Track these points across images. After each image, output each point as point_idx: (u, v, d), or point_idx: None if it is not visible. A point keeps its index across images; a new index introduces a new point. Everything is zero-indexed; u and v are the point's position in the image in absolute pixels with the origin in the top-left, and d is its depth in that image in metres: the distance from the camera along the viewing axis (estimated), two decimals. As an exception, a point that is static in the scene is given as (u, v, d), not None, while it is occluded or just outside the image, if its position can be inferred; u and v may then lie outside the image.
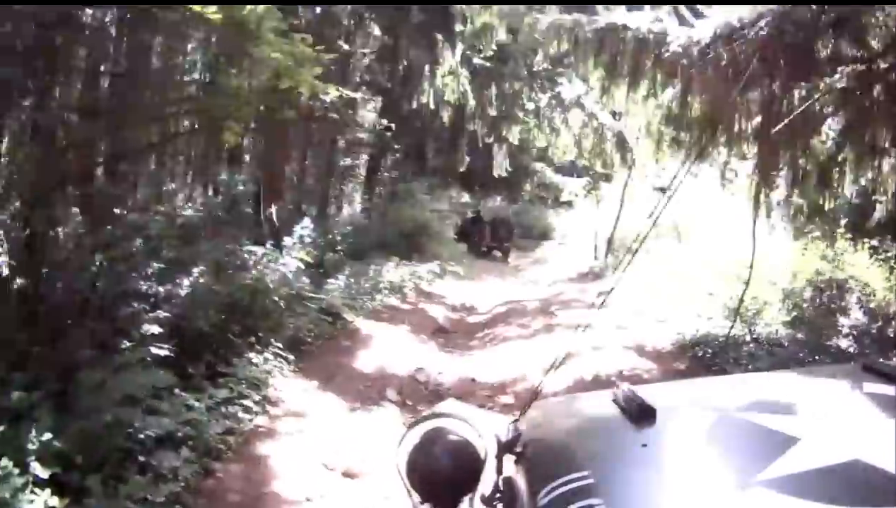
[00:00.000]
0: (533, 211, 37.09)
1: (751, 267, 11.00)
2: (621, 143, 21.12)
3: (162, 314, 8.14)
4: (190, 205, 22.33)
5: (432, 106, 20.50)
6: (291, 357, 9.75)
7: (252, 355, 8.96)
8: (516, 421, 2.65)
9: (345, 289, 14.41)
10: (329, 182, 25.61)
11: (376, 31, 19.48)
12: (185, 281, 9.20)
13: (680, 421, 2.36)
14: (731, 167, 21.04)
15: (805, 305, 11.72)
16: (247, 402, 7.96)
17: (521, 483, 2.36)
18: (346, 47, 18.87)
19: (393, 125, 19.31)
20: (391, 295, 16.11)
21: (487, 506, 2.39)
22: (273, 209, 16.74)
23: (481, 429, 2.43)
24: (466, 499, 2.32)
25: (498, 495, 2.39)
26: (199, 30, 8.72)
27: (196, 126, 7.16)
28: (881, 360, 2.84)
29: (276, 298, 10.01)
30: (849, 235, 13.30)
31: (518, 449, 2.44)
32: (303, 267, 13.82)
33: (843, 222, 13.56)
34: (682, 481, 2.01)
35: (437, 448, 2.33)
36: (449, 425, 2.41)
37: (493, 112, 20.83)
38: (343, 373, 10.04)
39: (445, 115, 21.09)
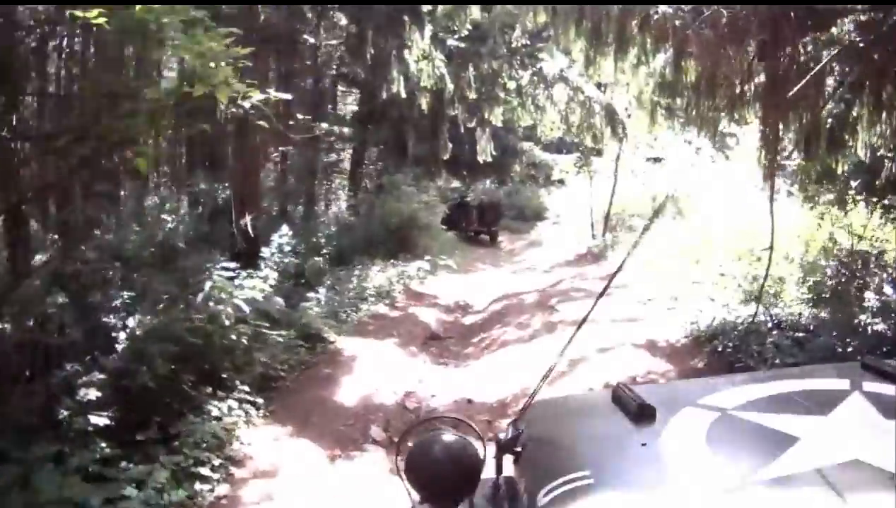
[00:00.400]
0: (524, 191, 35.68)
1: (770, 248, 9.79)
2: (610, 116, 19.80)
3: (98, 375, 6.85)
4: (173, 217, 21.11)
5: (409, 93, 19.24)
6: (260, 400, 8.43)
7: (213, 405, 7.66)
8: (515, 420, 2.60)
9: (326, 303, 13.16)
10: (312, 181, 24.34)
11: (343, 20, 18.11)
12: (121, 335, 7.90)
13: (679, 421, 2.30)
14: (730, 133, 19.91)
15: (829, 282, 10.42)
16: (205, 470, 6.66)
17: (520, 482, 2.32)
18: (311, 40, 17.62)
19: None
20: (378, 301, 14.82)
21: (488, 506, 2.34)
22: (248, 218, 15.48)
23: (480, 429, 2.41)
24: (466, 499, 2.26)
25: (498, 494, 2.33)
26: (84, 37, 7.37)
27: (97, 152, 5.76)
28: (881, 359, 2.72)
29: (235, 337, 8.59)
30: (860, 197, 12.04)
31: (517, 449, 2.38)
32: (271, 288, 12.68)
33: (853, 184, 12.24)
34: (681, 480, 1.95)
35: (436, 449, 2.27)
36: (448, 425, 2.46)
37: (472, 94, 19.42)
38: (321, 411, 8.72)
39: (424, 102, 19.69)
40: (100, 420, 6.42)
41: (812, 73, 8.61)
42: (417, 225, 20.79)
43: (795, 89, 8.40)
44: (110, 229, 19.29)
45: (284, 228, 15.50)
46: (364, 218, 21.43)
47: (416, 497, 2.29)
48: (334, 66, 21.08)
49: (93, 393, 6.66)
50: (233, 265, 14.24)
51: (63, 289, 8.32)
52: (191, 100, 5.07)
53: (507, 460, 2.49)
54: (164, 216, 20.91)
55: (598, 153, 24.67)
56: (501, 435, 2.49)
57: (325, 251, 17.54)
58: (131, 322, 8.17)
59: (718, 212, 16.69)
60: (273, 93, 5.24)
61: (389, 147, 24.11)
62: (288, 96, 5.73)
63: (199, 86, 4.88)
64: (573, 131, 21.18)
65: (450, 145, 20.93)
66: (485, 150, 20.19)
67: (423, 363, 11.50)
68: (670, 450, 2.19)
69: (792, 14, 8.54)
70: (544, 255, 25.00)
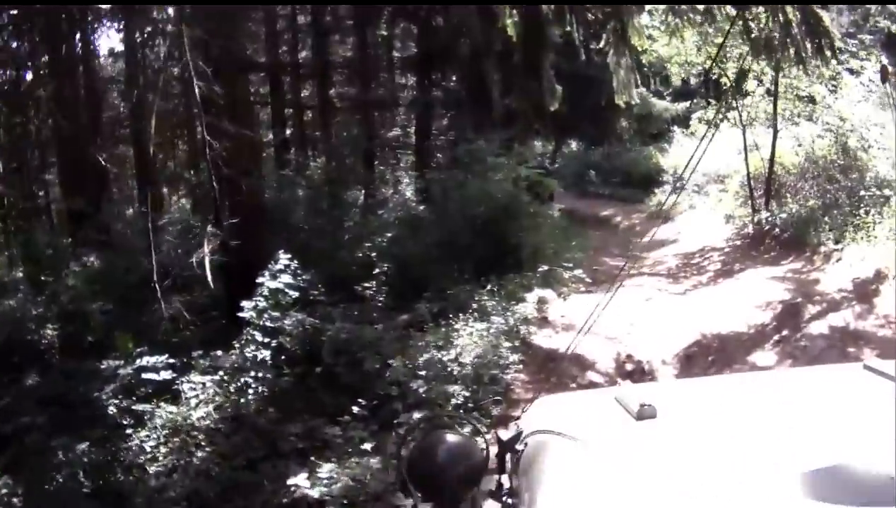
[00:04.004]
0: (627, 152, 25.87)
1: None
2: (813, 28, 10.76)
3: None
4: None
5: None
6: None
7: None
8: (518, 419, 2.37)
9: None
10: (367, 163, 16.03)
11: None
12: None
13: (680, 421, 2.05)
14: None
15: None
16: None
17: (521, 482, 2.07)
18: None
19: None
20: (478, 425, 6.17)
21: (490, 504, 2.12)
22: (206, 251, 7.14)
23: (483, 428, 2.24)
24: (468, 498, 2.03)
25: (502, 495, 2.06)
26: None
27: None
28: (884, 361, 2.32)
29: None
30: None
31: (519, 448, 2.10)
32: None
33: None
34: (681, 480, 1.73)
35: (438, 447, 2.03)
36: (451, 424, 2.26)
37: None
38: None
39: (510, 23, 10.88)
40: None
41: None
42: (518, 213, 11.92)
43: None
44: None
45: (282, 257, 7.20)
46: (438, 209, 12.68)
47: (418, 496, 1.98)
48: None
49: None
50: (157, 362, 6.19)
51: None
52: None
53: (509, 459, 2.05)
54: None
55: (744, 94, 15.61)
56: (504, 434, 2.11)
57: (377, 271, 9.25)
58: None
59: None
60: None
61: (464, 102, 15.17)
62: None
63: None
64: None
65: (559, 89, 11.88)
66: (626, 88, 11.07)
67: None
68: (671, 450, 1.87)
69: None
70: (682, 234, 16.14)
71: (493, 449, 2.09)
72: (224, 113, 8.88)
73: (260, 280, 7.17)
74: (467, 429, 2.22)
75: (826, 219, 12.06)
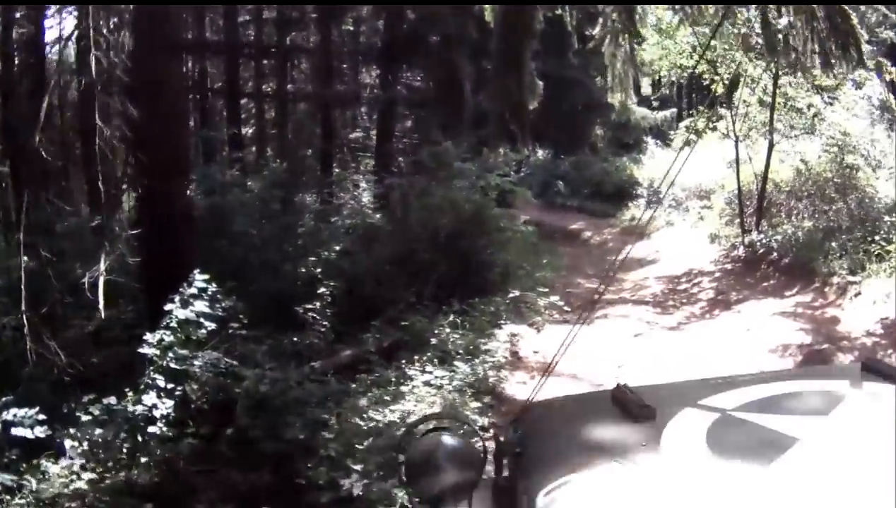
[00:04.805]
0: (598, 162, 24.11)
1: None
2: (836, 24, 9.51)
3: None
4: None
5: None
6: None
7: None
8: (516, 421, 2.33)
9: None
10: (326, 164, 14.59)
11: None
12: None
13: (679, 422, 2.03)
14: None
15: None
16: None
17: (520, 483, 2.03)
18: None
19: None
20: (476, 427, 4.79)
21: (488, 506, 2.08)
22: (101, 269, 5.62)
23: (481, 430, 2.27)
24: (466, 500, 1.96)
25: (498, 495, 2.07)
26: None
27: None
28: (882, 360, 2.49)
29: None
30: None
31: (517, 450, 2.09)
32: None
33: None
34: (681, 481, 1.74)
35: (436, 449, 2.02)
36: (449, 425, 2.18)
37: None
38: None
39: (487, 10, 9.48)
40: None
41: None
42: (486, 227, 10.46)
43: None
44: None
45: (197, 278, 5.68)
46: (396, 218, 11.21)
47: (416, 497, 2.03)
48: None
49: None
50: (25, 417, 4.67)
51: None
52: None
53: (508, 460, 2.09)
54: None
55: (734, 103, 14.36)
56: (502, 436, 2.18)
57: (323, 291, 7.88)
58: None
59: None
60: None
61: (431, 99, 13.71)
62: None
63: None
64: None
65: (540, 84, 10.47)
66: (622, 83, 9.76)
67: None
68: (670, 451, 1.88)
69: None
70: (662, 253, 14.86)
71: (491, 451, 2.05)
72: (151, 101, 7.42)
73: (168, 307, 5.66)
74: (466, 431, 2.15)
75: (832, 244, 10.82)
